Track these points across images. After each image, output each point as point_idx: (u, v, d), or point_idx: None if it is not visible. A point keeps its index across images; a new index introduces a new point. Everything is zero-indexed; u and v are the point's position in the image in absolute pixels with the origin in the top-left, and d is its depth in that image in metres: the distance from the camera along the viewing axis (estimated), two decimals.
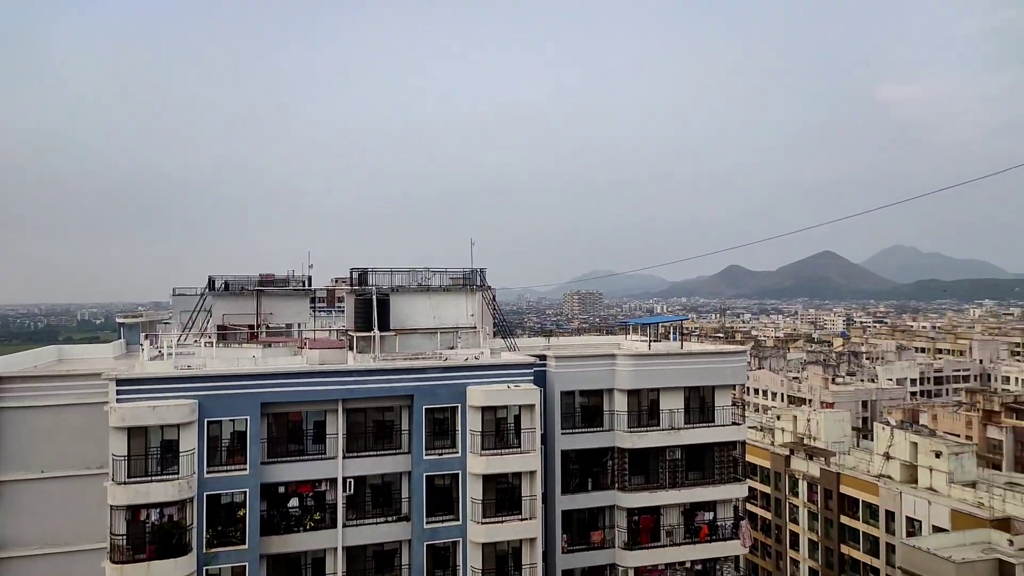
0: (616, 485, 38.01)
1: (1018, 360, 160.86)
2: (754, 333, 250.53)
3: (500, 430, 33.25)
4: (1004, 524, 49.64)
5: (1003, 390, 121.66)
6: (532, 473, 33.31)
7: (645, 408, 38.55)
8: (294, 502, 32.15)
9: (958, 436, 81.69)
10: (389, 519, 32.98)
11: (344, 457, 32.27)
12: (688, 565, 37.94)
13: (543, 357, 37.96)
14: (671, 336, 48.87)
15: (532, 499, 33.22)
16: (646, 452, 38.20)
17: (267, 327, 40.69)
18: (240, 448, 30.70)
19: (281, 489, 32.04)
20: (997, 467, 77.12)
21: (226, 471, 30.43)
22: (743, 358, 41.53)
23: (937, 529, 53.41)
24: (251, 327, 40.08)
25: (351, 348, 36.12)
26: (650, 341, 44.10)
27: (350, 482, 32.33)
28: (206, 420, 30.14)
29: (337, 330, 42.73)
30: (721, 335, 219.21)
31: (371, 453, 32.87)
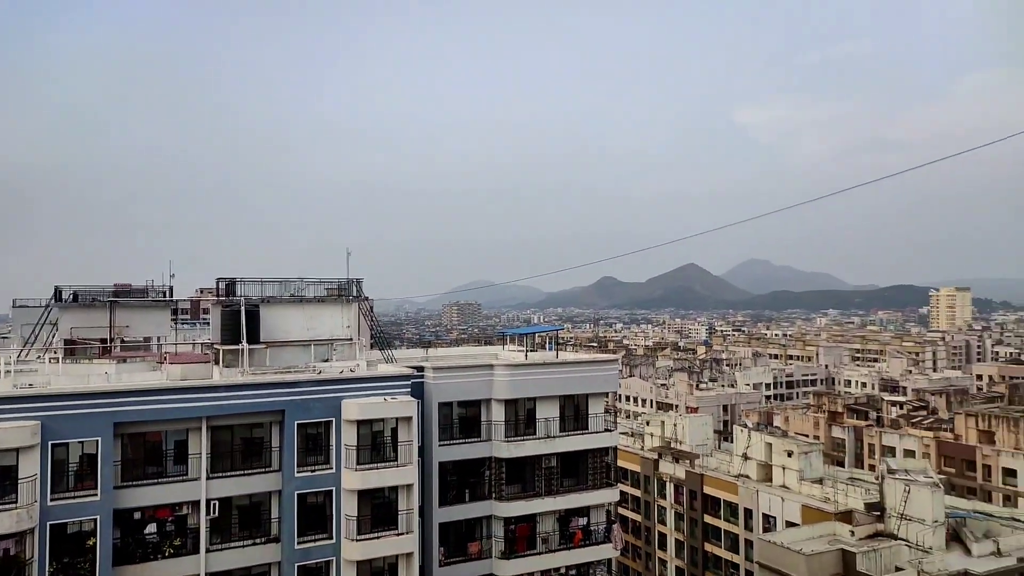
0: (493, 495, 38.19)
1: (858, 365, 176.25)
2: (625, 342, 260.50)
3: (376, 444, 32.61)
4: (847, 517, 53.98)
5: (845, 392, 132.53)
6: (409, 487, 32.88)
7: (522, 417, 39.01)
8: (152, 528, 30.06)
9: (807, 436, 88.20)
10: (257, 541, 31.51)
11: (208, 478, 30.53)
12: (563, 571, 38.66)
13: (421, 369, 37.65)
14: (547, 346, 49.81)
15: (409, 513, 32.77)
16: (523, 461, 38.64)
17: (122, 341, 37.95)
18: (90, 472, 28.37)
19: (137, 515, 29.88)
20: (841, 464, 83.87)
21: (73, 497, 28.04)
22: (615, 367, 42.97)
23: (790, 524, 57.25)
24: (103, 341, 37.25)
25: (218, 362, 34.32)
26: (527, 351, 44.76)
27: (215, 504, 30.61)
28: (50, 443, 27.66)
29: (202, 344, 40.52)
30: (595, 344, 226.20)
31: (238, 472, 31.30)
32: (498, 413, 38.34)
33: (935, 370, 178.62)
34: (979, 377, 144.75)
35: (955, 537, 49.98)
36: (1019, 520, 53.54)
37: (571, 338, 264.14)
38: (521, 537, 38.35)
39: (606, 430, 40.88)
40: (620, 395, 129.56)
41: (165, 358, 34.59)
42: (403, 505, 32.81)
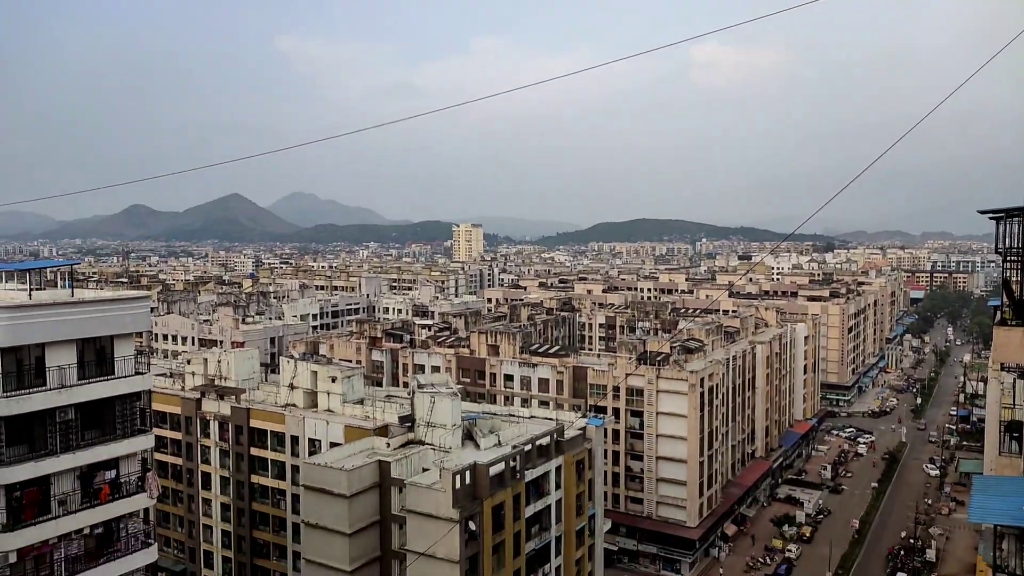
0: None
1: (395, 293, 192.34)
2: (162, 277, 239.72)
3: None
4: (384, 431, 59.29)
5: (384, 319, 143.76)
6: None
7: (28, 367, 32.98)
8: None
9: (351, 361, 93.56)
10: None
11: None
12: (87, 531, 34.49)
13: None
14: (62, 283, 42.91)
15: None
16: (30, 417, 32.85)
17: None
18: None
19: None
20: (380, 384, 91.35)
21: None
22: (146, 304, 39.01)
23: (334, 445, 60.54)
24: None
25: None
26: (31, 290, 37.76)
27: None
28: None
29: None
30: (125, 280, 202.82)
31: None
32: None
33: (456, 295, 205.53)
34: (489, 300, 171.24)
35: (468, 436, 58.97)
36: (514, 416, 65.60)
37: (95, 273, 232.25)
38: (31, 503, 32.88)
39: (137, 373, 37.12)
40: (157, 334, 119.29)
41: None
42: None
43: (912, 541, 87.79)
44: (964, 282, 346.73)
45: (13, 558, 31.99)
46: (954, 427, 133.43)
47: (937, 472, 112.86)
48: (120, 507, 35.60)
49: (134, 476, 36.62)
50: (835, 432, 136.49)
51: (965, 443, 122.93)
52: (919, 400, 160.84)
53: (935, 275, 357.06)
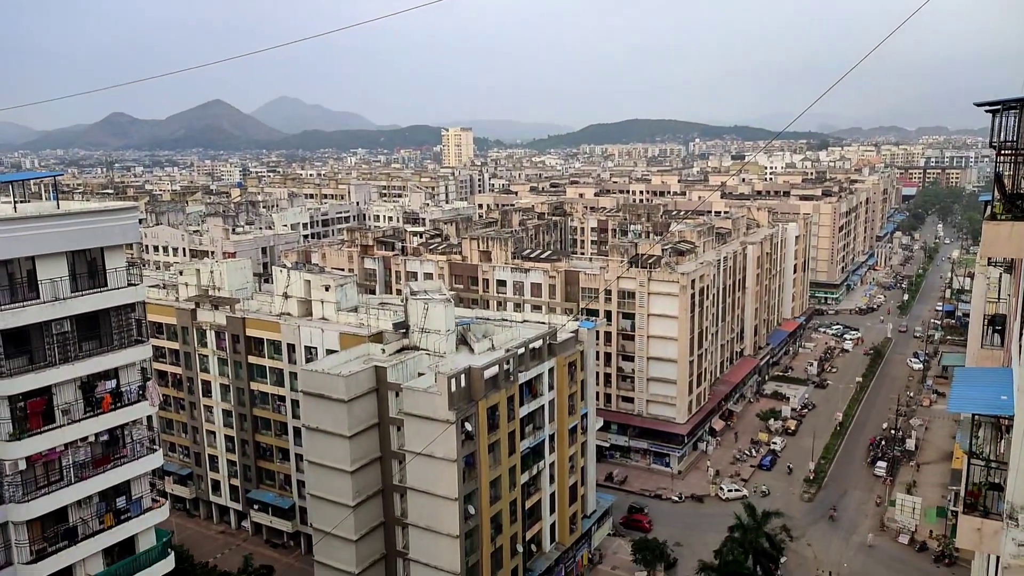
0: None
1: (385, 200, 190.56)
2: (148, 187, 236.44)
3: None
4: (379, 337, 60.08)
5: (375, 226, 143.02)
6: None
7: (20, 280, 32.92)
8: None
9: (343, 269, 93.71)
10: None
11: None
12: (92, 439, 35.42)
13: None
14: (45, 195, 42.15)
15: None
16: (26, 330, 33.08)
17: None
18: None
19: None
20: (373, 291, 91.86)
21: None
22: (134, 215, 38.53)
23: (330, 352, 61.45)
24: None
25: None
26: (15, 202, 37.17)
27: None
28: None
29: None
30: (111, 191, 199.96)
31: None
32: None
33: (447, 201, 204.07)
34: (480, 206, 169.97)
35: (463, 340, 59.84)
36: (507, 320, 66.41)
37: (79, 185, 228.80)
38: (35, 413, 33.58)
39: (130, 284, 37.15)
40: (147, 246, 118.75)
41: None
42: None
43: (893, 431, 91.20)
44: (957, 178, 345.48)
45: (23, 465, 32.93)
46: (939, 322, 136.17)
47: (920, 366, 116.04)
48: (122, 415, 36.41)
49: (135, 385, 37.26)
50: (822, 329, 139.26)
51: (949, 337, 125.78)
52: (906, 297, 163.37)
53: (928, 171, 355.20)
